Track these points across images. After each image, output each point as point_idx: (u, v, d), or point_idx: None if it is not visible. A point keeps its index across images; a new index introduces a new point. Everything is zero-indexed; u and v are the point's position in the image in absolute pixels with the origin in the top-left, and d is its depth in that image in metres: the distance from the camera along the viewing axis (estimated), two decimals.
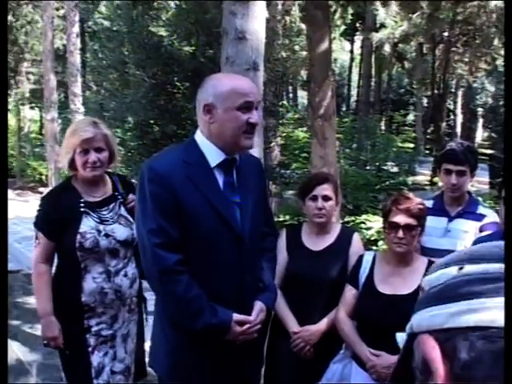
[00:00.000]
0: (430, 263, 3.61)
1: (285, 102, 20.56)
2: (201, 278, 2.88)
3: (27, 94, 24.71)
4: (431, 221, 3.90)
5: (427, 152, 28.34)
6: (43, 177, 21.71)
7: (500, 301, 0.85)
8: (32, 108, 27.59)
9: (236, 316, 2.93)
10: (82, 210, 3.72)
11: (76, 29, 17.29)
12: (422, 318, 1.01)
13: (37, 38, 22.95)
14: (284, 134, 14.73)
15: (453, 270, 0.94)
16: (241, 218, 2.97)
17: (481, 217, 4.08)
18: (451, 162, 4.04)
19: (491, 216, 4.08)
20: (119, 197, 3.88)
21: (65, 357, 3.84)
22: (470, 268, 0.92)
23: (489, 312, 0.85)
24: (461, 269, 0.93)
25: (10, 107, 27.82)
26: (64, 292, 3.76)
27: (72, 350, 3.77)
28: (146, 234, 2.86)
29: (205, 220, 2.87)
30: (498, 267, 0.88)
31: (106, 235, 3.71)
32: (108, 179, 3.94)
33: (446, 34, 24.09)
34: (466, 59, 26.68)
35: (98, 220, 3.74)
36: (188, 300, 2.84)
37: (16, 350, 6.02)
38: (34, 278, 3.82)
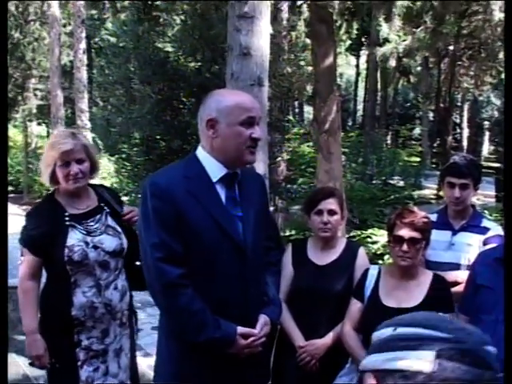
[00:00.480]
0: (436, 277, 3.61)
1: (291, 117, 20.62)
2: (204, 291, 2.88)
3: (34, 110, 24.83)
4: (435, 234, 3.89)
5: (433, 166, 28.34)
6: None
7: (417, 354, 1.27)
8: (39, 124, 27.73)
9: (240, 329, 2.93)
10: (67, 223, 3.66)
11: (83, 45, 17.44)
12: (368, 361, 1.41)
13: (44, 54, 23.12)
14: (290, 149, 14.72)
15: (390, 330, 1.42)
16: (243, 231, 2.98)
17: (485, 230, 4.08)
18: (454, 176, 4.04)
19: (495, 229, 4.08)
20: (106, 208, 3.83)
21: (52, 371, 3.76)
22: (400, 330, 1.38)
23: (409, 360, 1.28)
24: (395, 330, 1.40)
25: (17, 123, 28.04)
26: (54, 306, 3.72)
27: (61, 364, 3.70)
28: (148, 248, 2.88)
29: (207, 233, 2.88)
30: (420, 331, 1.32)
31: (95, 247, 3.66)
32: (91, 190, 3.88)
33: (451, 47, 24.15)
34: (472, 73, 26.73)
35: (84, 232, 3.68)
36: (191, 313, 2.85)
37: (22, 365, 6.01)
38: (19, 294, 3.73)
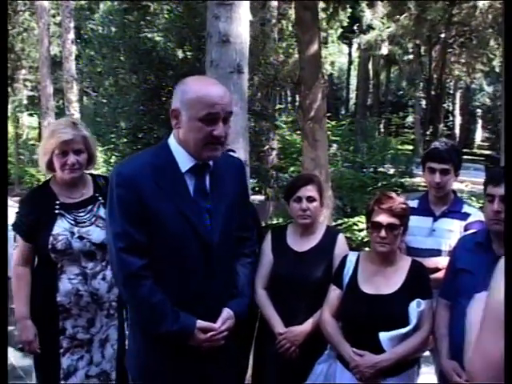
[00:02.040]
0: (414, 263, 3.61)
1: (282, 106, 20.60)
2: (167, 283, 2.85)
3: (25, 101, 24.77)
4: (416, 221, 3.92)
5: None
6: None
7: None
8: (31, 115, 27.65)
9: (200, 323, 2.89)
10: (56, 211, 3.68)
11: (71, 35, 17.35)
12: None
13: (33, 45, 23.03)
14: (279, 138, 14.72)
15: None
16: (210, 224, 2.92)
17: (466, 216, 4.08)
18: (435, 161, 4.04)
19: (476, 215, 4.07)
20: (100, 198, 3.81)
21: (36, 357, 3.81)
22: None
23: None
24: None
25: (8, 114, 27.94)
26: (39, 291, 3.73)
27: (43, 350, 3.73)
28: (111, 237, 2.85)
29: (172, 225, 2.82)
30: None
31: (80, 237, 3.67)
32: (90, 180, 3.89)
33: (442, 35, 24.13)
34: (463, 60, 26.73)
35: (72, 222, 3.69)
36: (151, 305, 2.82)
37: (9, 355, 6.02)
38: (13, 280, 3.77)
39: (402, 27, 19.25)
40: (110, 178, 2.91)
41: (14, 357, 5.76)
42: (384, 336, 3.35)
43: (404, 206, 3.53)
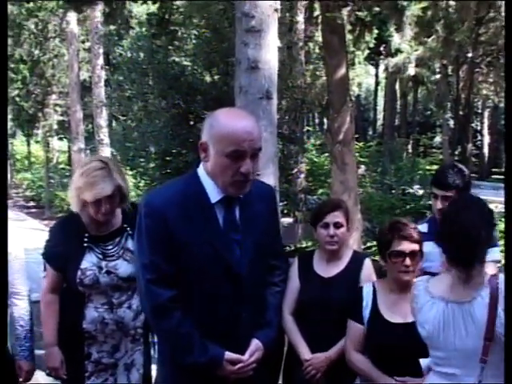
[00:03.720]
0: None
1: (310, 128, 20.62)
2: (196, 314, 2.85)
3: (55, 126, 25.05)
4: (431, 246, 3.78)
5: None
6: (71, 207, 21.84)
7: None
8: (61, 139, 28.00)
9: (228, 355, 2.87)
10: (85, 244, 3.69)
11: (100, 61, 17.59)
12: None
13: (63, 70, 23.30)
14: (307, 161, 14.73)
15: None
16: (240, 256, 2.89)
17: None
18: (437, 187, 3.94)
19: None
20: (128, 229, 3.80)
21: (63, 381, 3.84)
22: None
23: None
24: None
25: (38, 139, 28.34)
26: (66, 318, 3.77)
27: (70, 374, 3.76)
28: (140, 268, 2.86)
29: (200, 256, 2.80)
30: None
31: (108, 272, 3.68)
32: (118, 211, 3.86)
33: (469, 54, 24.05)
34: (491, 79, 26.58)
35: (100, 256, 3.70)
36: (179, 336, 2.82)
37: (40, 379, 6.05)
38: (42, 307, 3.82)
39: (430, 49, 19.20)
40: (139, 207, 2.91)
41: (47, 380, 5.78)
42: (425, 361, 3.30)
43: (418, 230, 3.50)
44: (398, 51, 22.38)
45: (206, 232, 2.81)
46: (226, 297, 2.87)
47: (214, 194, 2.85)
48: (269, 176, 5.07)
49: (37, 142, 30.47)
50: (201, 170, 2.90)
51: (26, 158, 29.95)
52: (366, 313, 3.51)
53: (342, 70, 8.38)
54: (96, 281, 3.64)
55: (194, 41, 12.61)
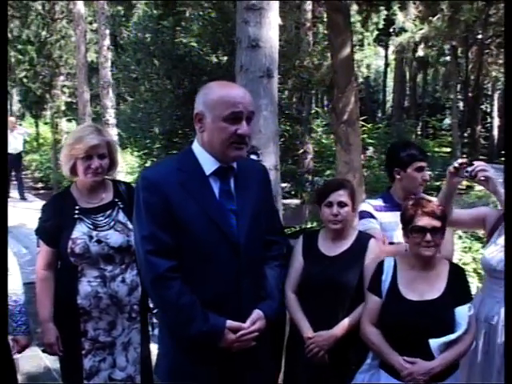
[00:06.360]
0: (452, 266, 3.58)
1: (319, 110, 20.54)
2: (195, 284, 2.87)
3: (63, 107, 25.02)
4: (388, 217, 4.10)
5: (464, 156, 28.01)
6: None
7: None
8: (69, 120, 27.96)
9: (229, 323, 2.90)
10: (75, 216, 3.76)
11: (107, 42, 17.52)
12: None
13: (71, 51, 23.26)
14: (312, 142, 14.68)
15: None
16: (237, 225, 2.95)
17: None
18: (423, 160, 4.23)
19: None
20: (120, 203, 3.88)
21: (61, 358, 3.91)
22: None
23: None
24: None
25: (47, 120, 28.34)
26: (61, 294, 3.82)
27: (66, 351, 3.83)
28: (139, 241, 2.90)
29: (198, 227, 2.86)
30: None
31: (98, 241, 3.73)
32: (110, 185, 3.96)
33: (479, 36, 23.83)
34: (501, 61, 26.32)
35: (91, 226, 3.77)
36: (179, 307, 2.84)
37: (44, 358, 6.10)
38: (37, 284, 3.88)
39: (435, 29, 18.98)
40: (136, 182, 2.98)
41: (49, 359, 5.83)
42: (435, 343, 3.30)
43: (442, 207, 3.51)
44: (403, 30, 22.18)
45: (201, 202, 2.87)
46: (225, 268, 2.91)
47: (208, 166, 2.93)
48: (270, 155, 5.05)
49: (45, 123, 30.47)
50: (195, 145, 3.00)
51: (35, 139, 29.93)
52: (385, 286, 3.53)
53: (347, 50, 8.31)
54: (87, 249, 3.69)
55: (199, 21, 12.54)
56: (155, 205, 2.85)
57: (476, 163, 3.60)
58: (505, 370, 1.57)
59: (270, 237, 3.20)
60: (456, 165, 3.64)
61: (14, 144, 16.90)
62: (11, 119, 18.22)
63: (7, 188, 3.49)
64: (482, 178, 3.53)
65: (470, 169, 3.56)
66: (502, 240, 3.49)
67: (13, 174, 17.37)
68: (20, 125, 22.04)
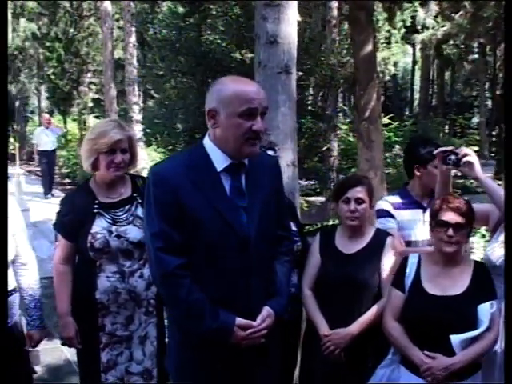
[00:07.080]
0: (477, 264, 3.56)
1: (346, 107, 20.49)
2: (205, 281, 2.87)
3: (90, 104, 25.26)
4: (407, 214, 4.10)
5: (492, 155, 27.71)
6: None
7: None
8: (96, 117, 28.15)
9: (239, 320, 2.89)
10: (95, 210, 3.76)
11: (132, 39, 17.66)
12: None
13: (98, 49, 23.49)
14: (337, 139, 14.63)
15: None
16: (247, 222, 2.92)
17: None
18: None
19: None
20: (138, 198, 3.86)
21: (79, 351, 3.94)
22: None
23: None
24: None
25: (75, 117, 28.60)
26: (79, 289, 3.83)
27: (84, 345, 3.85)
28: (149, 237, 2.89)
29: (209, 223, 2.84)
30: None
31: (118, 236, 3.73)
32: (128, 180, 3.96)
33: None
34: None
35: (110, 221, 3.76)
36: (189, 304, 2.84)
37: (65, 351, 6.16)
38: (54, 278, 3.89)
39: (458, 26, 18.72)
40: (147, 178, 2.95)
41: (70, 352, 5.89)
42: (456, 338, 3.27)
43: (470, 205, 3.47)
44: (424, 27, 21.96)
45: (212, 198, 2.85)
46: (235, 264, 2.89)
47: (219, 162, 2.90)
48: (287, 151, 5.04)
49: (73, 119, 30.71)
50: (206, 141, 2.95)
51: (63, 135, 30.20)
52: (408, 282, 3.51)
53: (369, 47, 8.28)
54: (106, 244, 3.70)
55: (224, 19, 12.56)
56: (165, 201, 2.83)
57: (460, 149, 3.58)
58: (505, 370, 1.56)
59: (279, 232, 3.18)
60: (437, 151, 3.63)
61: (49, 140, 17.14)
62: (46, 116, 18.47)
63: (6, 187, 3.53)
64: (465, 162, 3.50)
65: (453, 157, 3.54)
66: (503, 237, 3.46)
67: (43, 169, 17.56)
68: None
